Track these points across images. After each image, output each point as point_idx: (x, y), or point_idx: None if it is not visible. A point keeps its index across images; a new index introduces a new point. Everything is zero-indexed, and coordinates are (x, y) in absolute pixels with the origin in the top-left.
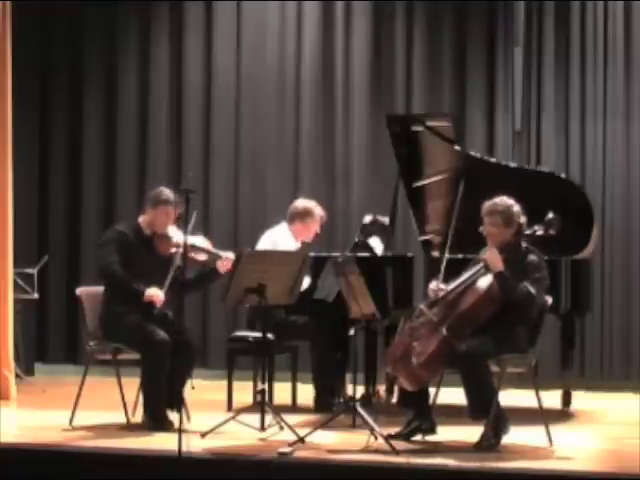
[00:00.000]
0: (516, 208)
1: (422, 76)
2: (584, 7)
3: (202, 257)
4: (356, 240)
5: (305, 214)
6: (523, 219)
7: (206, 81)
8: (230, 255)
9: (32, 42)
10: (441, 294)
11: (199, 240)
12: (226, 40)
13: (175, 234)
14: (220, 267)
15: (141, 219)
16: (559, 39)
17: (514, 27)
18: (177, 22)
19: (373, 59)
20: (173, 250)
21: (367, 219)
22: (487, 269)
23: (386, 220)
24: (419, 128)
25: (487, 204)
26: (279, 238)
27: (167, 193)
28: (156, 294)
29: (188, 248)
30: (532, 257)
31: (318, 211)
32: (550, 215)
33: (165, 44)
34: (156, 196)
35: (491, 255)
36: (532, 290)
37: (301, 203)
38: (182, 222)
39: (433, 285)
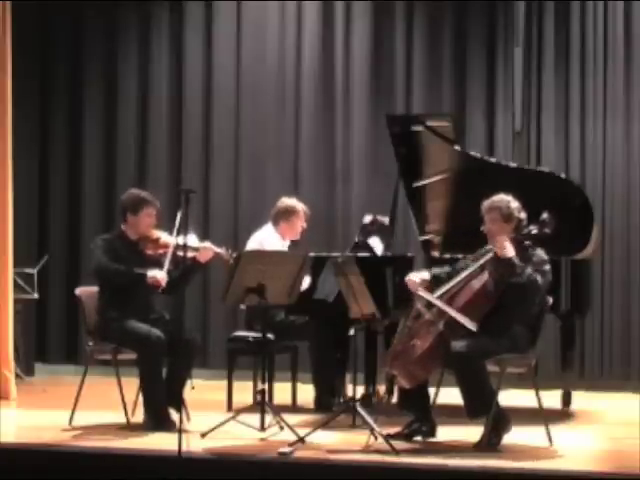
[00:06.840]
0: (515, 204)
1: (422, 76)
2: (584, 7)
3: (190, 254)
4: (356, 240)
5: (288, 212)
6: (523, 215)
7: (206, 81)
8: (207, 245)
9: (32, 42)
10: (426, 295)
11: (181, 238)
12: (226, 40)
13: (162, 234)
14: (200, 257)
15: (124, 227)
16: (559, 39)
17: (514, 27)
18: (177, 22)
19: (373, 59)
20: (161, 251)
21: (367, 219)
22: (484, 267)
23: (386, 220)
24: (419, 128)
25: (486, 202)
26: (265, 239)
27: (143, 195)
28: (160, 274)
29: (177, 247)
30: (539, 252)
31: (300, 207)
32: (544, 215)
33: (165, 44)
34: (134, 201)
35: (501, 242)
36: (538, 278)
37: (282, 203)
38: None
39: (412, 275)
